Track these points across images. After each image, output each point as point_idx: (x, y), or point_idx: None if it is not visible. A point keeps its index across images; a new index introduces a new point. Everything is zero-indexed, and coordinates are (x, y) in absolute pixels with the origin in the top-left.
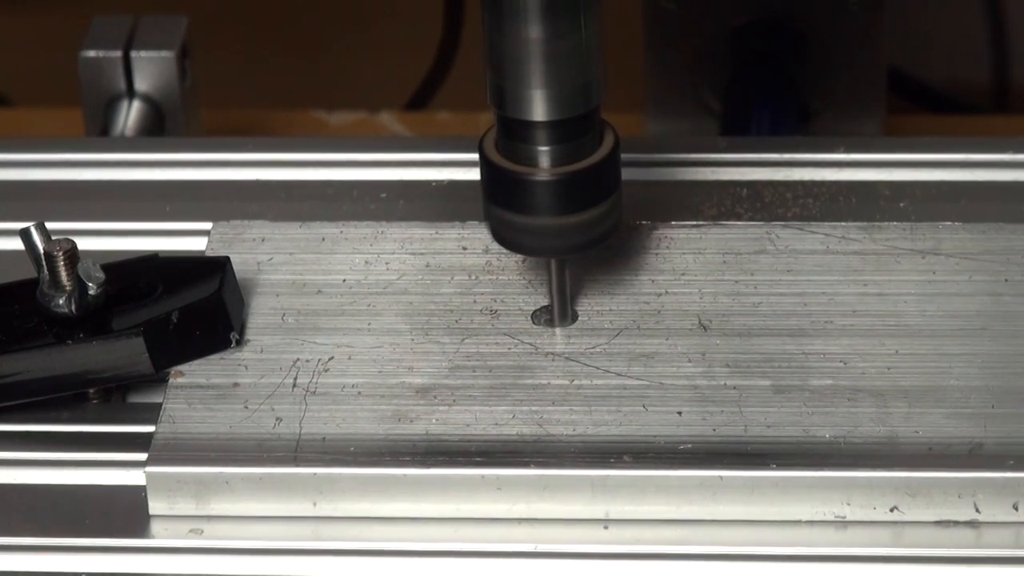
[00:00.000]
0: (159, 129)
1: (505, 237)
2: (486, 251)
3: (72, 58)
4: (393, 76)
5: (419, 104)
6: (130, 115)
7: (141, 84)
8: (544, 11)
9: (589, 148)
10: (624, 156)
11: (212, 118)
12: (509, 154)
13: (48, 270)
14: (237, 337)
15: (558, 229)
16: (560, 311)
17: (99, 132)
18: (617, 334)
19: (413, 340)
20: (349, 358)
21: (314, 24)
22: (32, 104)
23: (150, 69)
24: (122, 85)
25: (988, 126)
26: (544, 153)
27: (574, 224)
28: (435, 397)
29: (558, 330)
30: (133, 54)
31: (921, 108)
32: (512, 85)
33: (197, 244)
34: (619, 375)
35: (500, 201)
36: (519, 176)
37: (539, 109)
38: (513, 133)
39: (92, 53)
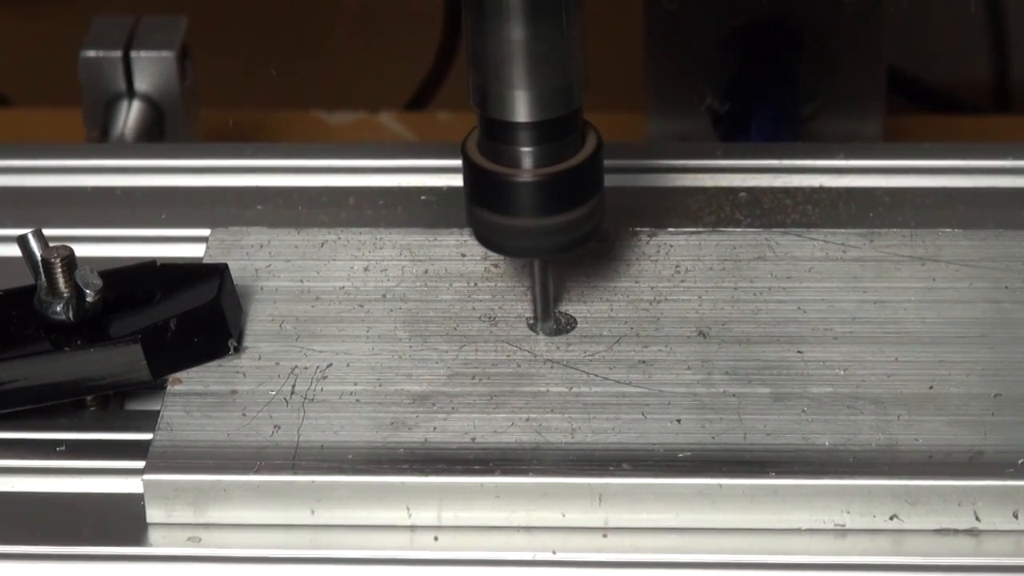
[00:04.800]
0: (159, 129)
1: (487, 238)
2: (485, 258)
3: (72, 58)
4: (393, 76)
5: (419, 104)
6: (130, 115)
7: (141, 84)
8: (526, 12)
9: (572, 149)
10: (623, 162)
11: (212, 118)
12: (492, 155)
13: (46, 277)
14: (235, 344)
15: (540, 230)
16: (543, 313)
17: (99, 132)
18: (616, 341)
19: (412, 347)
20: (347, 365)
21: (314, 24)
22: (32, 104)
23: (150, 69)
24: (122, 85)
25: (988, 126)
26: (526, 154)
27: (556, 225)
28: (433, 404)
29: (557, 337)
30: (133, 54)
31: (921, 108)
32: (494, 86)
33: (195, 251)
34: (618, 382)
35: (483, 202)
36: (501, 177)
37: (521, 110)
38: (496, 134)
39: (92, 53)
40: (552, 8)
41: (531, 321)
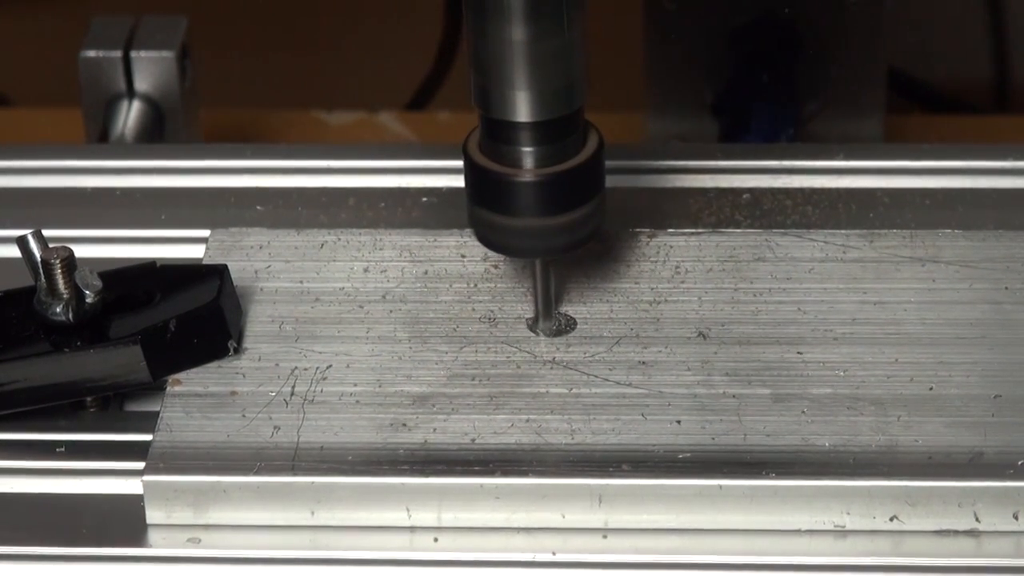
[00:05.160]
0: (159, 129)
1: (489, 238)
2: (484, 259)
3: (72, 58)
4: (393, 76)
5: (419, 104)
6: (130, 115)
7: (141, 84)
8: (528, 12)
9: (573, 149)
10: (623, 163)
11: (212, 118)
12: (493, 155)
13: (45, 278)
14: (235, 345)
15: (542, 230)
16: (543, 314)
17: (99, 132)
18: (616, 342)
19: (411, 348)
20: (347, 366)
21: (314, 24)
22: (32, 104)
23: (150, 69)
24: (122, 85)
25: (988, 126)
26: (528, 154)
27: (558, 225)
28: (433, 406)
29: (557, 338)
30: (133, 54)
31: (921, 108)
32: (496, 86)
33: (195, 252)
34: (618, 383)
35: (484, 202)
36: (503, 177)
37: (523, 110)
38: (497, 134)
39: (92, 53)
40: (553, 8)
41: (531, 322)
